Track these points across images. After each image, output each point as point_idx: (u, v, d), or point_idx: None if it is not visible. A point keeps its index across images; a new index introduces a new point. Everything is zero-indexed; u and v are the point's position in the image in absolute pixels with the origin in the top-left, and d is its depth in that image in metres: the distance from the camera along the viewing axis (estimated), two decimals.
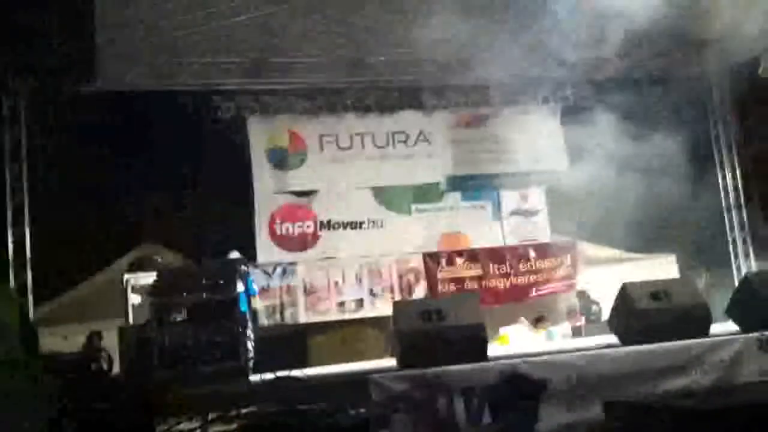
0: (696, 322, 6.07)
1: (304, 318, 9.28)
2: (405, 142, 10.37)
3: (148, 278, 7.05)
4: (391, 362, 6.27)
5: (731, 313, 6.63)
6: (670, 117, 9.35)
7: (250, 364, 6.21)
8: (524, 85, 10.18)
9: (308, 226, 9.70)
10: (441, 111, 10.48)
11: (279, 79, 9.65)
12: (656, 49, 9.92)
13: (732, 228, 10.88)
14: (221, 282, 6.17)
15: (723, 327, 6.64)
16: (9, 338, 1.77)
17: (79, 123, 8.34)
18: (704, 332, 6.02)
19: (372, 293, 9.51)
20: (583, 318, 9.25)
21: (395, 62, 9.93)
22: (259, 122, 9.83)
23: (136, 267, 8.47)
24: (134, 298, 7.66)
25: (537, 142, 10.56)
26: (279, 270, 9.28)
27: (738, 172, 10.92)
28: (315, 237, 9.71)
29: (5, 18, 7.18)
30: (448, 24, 7.92)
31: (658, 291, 6.22)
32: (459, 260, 9.90)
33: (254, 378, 5.72)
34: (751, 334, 5.92)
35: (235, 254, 7.55)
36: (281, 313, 9.17)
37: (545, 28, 8.39)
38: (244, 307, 6.82)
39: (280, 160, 9.83)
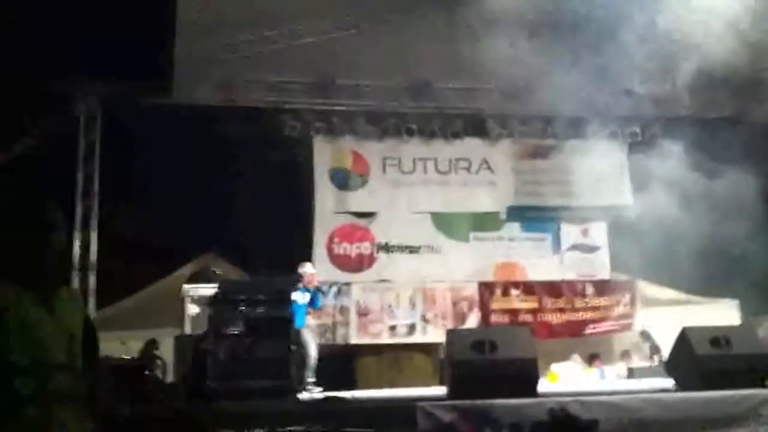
0: (756, 371, 5.91)
1: (355, 339, 9.28)
2: (467, 169, 10.36)
3: (207, 290, 7.19)
4: (438, 390, 6.25)
5: None
6: (740, 159, 9.14)
7: (304, 381, 6.27)
8: (591, 117, 10.08)
9: (366, 248, 9.76)
10: (505, 140, 10.43)
11: (345, 101, 9.82)
12: (730, 89, 9.76)
13: None
14: (278, 298, 6.25)
15: None
16: (74, 343, 1.84)
17: (152, 133, 8.58)
18: (764, 383, 5.86)
19: (424, 319, 9.48)
20: (656, 358, 8.94)
21: (461, 89, 9.99)
22: (323, 142, 9.95)
23: (196, 278, 8.63)
24: (192, 309, 7.81)
25: (602, 176, 10.40)
26: (334, 289, 9.32)
27: None
28: (371, 259, 9.74)
29: (88, 23, 7.47)
30: (516, 53, 7.92)
31: (718, 337, 6.06)
32: (514, 291, 9.80)
33: (303, 396, 5.77)
34: None
35: (308, 266, 7.59)
36: (333, 332, 9.19)
37: (616, 60, 8.33)
38: (300, 322, 6.91)
39: (342, 181, 9.92)
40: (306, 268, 7.51)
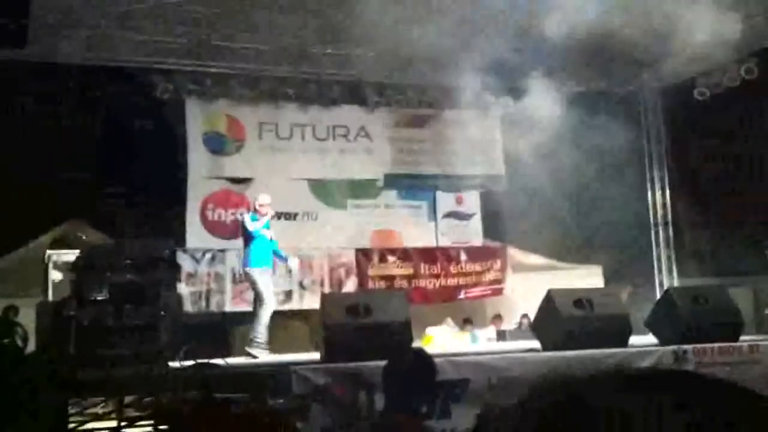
0: (616, 332, 6.24)
1: (230, 306, 9.12)
2: (345, 136, 10.34)
3: (71, 255, 6.86)
4: (314, 356, 6.25)
5: (651, 326, 6.82)
6: (606, 132, 9.54)
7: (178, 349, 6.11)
8: (466, 89, 10.23)
9: (241, 214, 9.54)
10: (383, 108, 10.46)
11: (220, 63, 9.52)
12: (597, 66, 10.14)
13: (657, 244, 11.18)
14: (145, 263, 6.05)
15: (643, 339, 6.82)
16: None
17: (9, 93, 8.05)
18: (623, 343, 6.19)
19: (302, 286, 9.43)
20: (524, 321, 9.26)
21: (339, 56, 9.90)
22: (197, 105, 9.64)
23: (60, 244, 8.22)
24: (55, 275, 7.43)
25: (475, 146, 10.64)
26: (208, 256, 9.12)
27: (667, 191, 11.21)
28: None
29: None
30: (393, 22, 7.91)
31: (581, 299, 6.36)
32: (391, 258, 9.92)
33: (173, 364, 5.62)
34: (668, 347, 6.11)
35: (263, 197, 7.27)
36: (207, 300, 9.02)
37: (489, 36, 8.47)
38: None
39: (216, 145, 9.67)
40: (261, 199, 7.21)
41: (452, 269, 10.13)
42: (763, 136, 9.57)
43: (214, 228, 9.44)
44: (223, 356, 6.04)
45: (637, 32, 8.65)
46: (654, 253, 11.15)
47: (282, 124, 10.03)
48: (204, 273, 9.03)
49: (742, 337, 6.62)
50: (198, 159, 9.51)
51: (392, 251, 9.99)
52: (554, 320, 6.27)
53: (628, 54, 9.65)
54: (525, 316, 8.93)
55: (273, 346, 7.00)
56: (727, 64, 9.68)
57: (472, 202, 10.67)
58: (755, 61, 9.55)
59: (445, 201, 10.57)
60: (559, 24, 7.81)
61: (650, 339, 6.72)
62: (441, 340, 8.25)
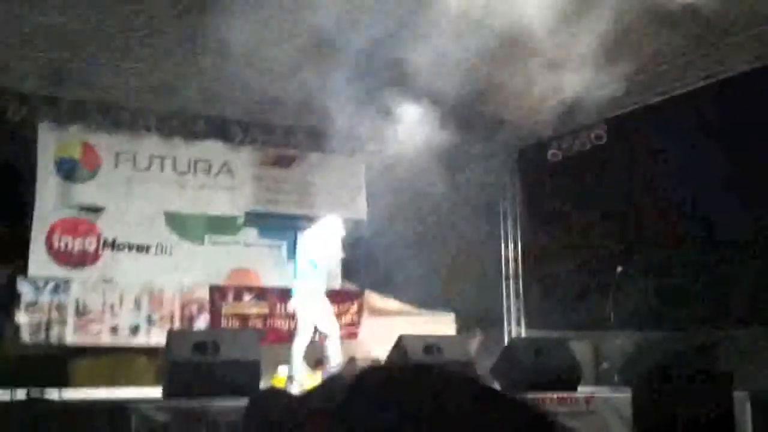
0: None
1: (71, 339, 8.67)
2: (207, 171, 10.16)
3: None
4: (158, 392, 6.03)
5: (495, 373, 7.06)
6: (465, 187, 9.87)
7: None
8: (332, 132, 10.34)
9: (89, 243, 9.16)
10: (247, 146, 10.37)
11: (78, 90, 9.13)
12: (460, 120, 10.48)
13: (508, 296, 11.59)
14: None
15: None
16: None
17: None
18: None
19: (150, 321, 9.10)
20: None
21: (204, 92, 9.71)
22: (50, 129, 9.23)
23: None
24: None
25: (339, 189, 10.74)
26: (51, 285, 8.64)
27: (519, 246, 11.68)
28: (96, 256, 9.15)
29: None
30: (264, 61, 7.92)
31: (431, 345, 6.53)
32: (247, 296, 9.76)
33: (1, 397, 5.28)
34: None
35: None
36: (47, 330, 8.51)
37: (358, 80, 8.62)
38: None
39: (68, 172, 9.25)
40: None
41: None
42: (608, 197, 10.16)
43: (59, 256, 8.97)
44: (59, 389, 5.73)
45: (498, 91, 9.05)
46: (504, 305, 11.54)
47: (140, 154, 9.73)
48: (46, 302, 8.56)
49: (580, 388, 6.95)
50: (47, 184, 9.06)
51: (248, 289, 9.84)
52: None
53: (489, 112, 10.06)
54: (376, 361, 8.98)
55: (118, 381, 6.73)
56: (580, 129, 10.29)
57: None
58: (605, 128, 10.19)
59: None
60: (428, 75, 8.06)
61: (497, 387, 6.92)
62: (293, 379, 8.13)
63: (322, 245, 8.57)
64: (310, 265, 7.98)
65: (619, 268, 9.31)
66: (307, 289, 7.85)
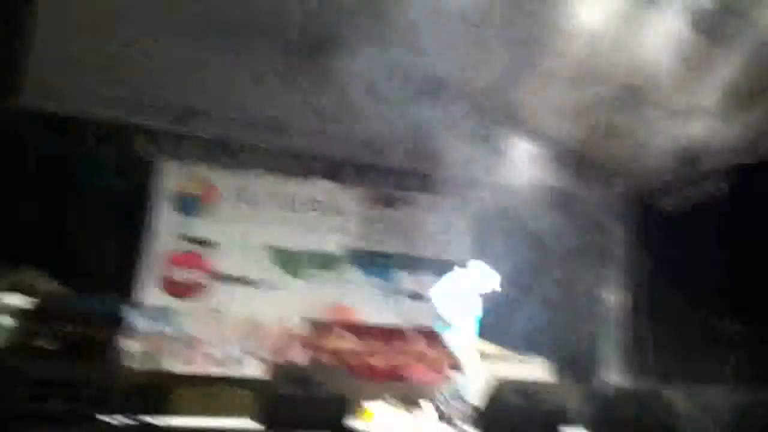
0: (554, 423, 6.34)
1: (176, 368, 9.04)
2: (316, 210, 10.45)
3: (21, 301, 6.81)
4: (256, 425, 6.20)
5: (590, 425, 6.91)
6: (576, 233, 9.74)
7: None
8: (442, 175, 10.43)
9: (199, 276, 9.57)
10: (357, 186, 10.62)
11: (200, 128, 9.62)
12: (566, 168, 10.35)
13: (608, 343, 11.27)
14: (96, 317, 6.04)
15: None
16: None
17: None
18: None
19: (251, 353, 9.39)
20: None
21: (318, 132, 10.05)
22: (173, 166, 9.74)
23: (13, 290, 8.14)
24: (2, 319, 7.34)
25: (445, 231, 10.78)
26: (160, 315, 9.11)
27: (627, 294, 11.38)
28: (203, 288, 9.56)
29: None
30: (379, 103, 8.10)
31: (527, 391, 6.46)
32: (345, 334, 9.91)
33: (106, 420, 5.55)
34: None
35: None
36: (154, 359, 8.93)
37: (472, 122, 8.65)
38: None
39: (187, 207, 9.73)
40: None
41: (403, 350, 10.13)
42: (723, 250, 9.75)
43: (169, 287, 9.39)
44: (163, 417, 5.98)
45: (616, 138, 8.92)
46: (603, 353, 11.23)
47: (257, 193, 10.13)
48: (154, 332, 8.96)
49: None
50: (163, 217, 9.53)
51: (347, 326, 10.00)
52: (498, 409, 6.34)
53: (604, 158, 9.92)
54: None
55: (217, 411, 6.93)
56: (700, 179, 9.99)
57: (430, 285, 10.73)
58: (726, 178, 9.81)
59: (405, 281, 10.63)
60: (543, 119, 8.05)
61: None
62: (382, 417, 8.18)
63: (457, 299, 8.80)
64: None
65: (731, 323, 8.95)
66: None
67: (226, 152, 9.88)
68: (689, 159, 8.72)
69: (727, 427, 8.23)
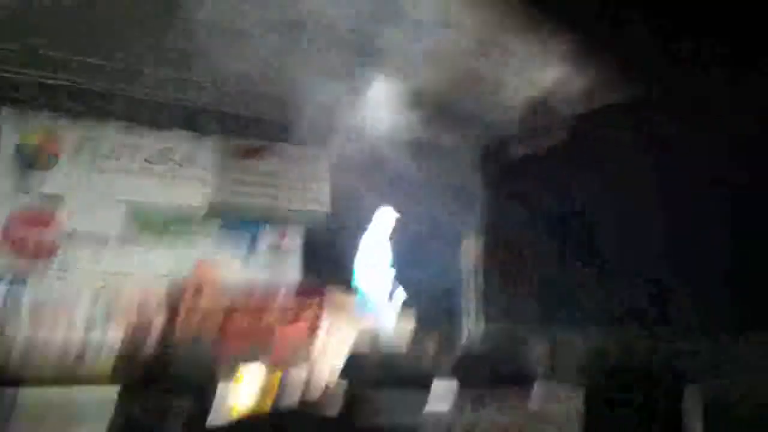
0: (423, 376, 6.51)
1: (24, 334, 8.48)
2: (173, 160, 10.02)
3: None
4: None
5: (454, 371, 7.15)
6: (430, 179, 9.87)
7: None
8: (300, 123, 10.26)
9: (49, 235, 8.99)
10: (216, 136, 10.25)
11: (45, 73, 8.96)
12: (425, 115, 10.45)
13: (468, 291, 11.63)
14: None
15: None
16: None
17: None
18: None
19: (108, 316, 8.98)
20: None
21: (174, 79, 9.60)
22: (13, 114, 9.03)
23: None
24: None
25: (304, 181, 10.66)
26: (7, 276, 8.53)
27: (482, 240, 11.72)
28: (55, 247, 9.01)
29: None
30: (235, 47, 7.81)
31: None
32: (204, 298, 9.63)
33: None
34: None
35: None
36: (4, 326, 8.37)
37: (327, 71, 8.52)
38: None
39: (29, 159, 9.08)
40: None
41: (267, 312, 10.02)
42: (571, 195, 10.17)
43: (17, 247, 8.80)
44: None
45: (470, 84, 9.04)
46: (464, 300, 11.59)
47: (105, 142, 9.57)
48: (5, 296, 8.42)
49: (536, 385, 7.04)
50: (6, 172, 8.87)
51: (209, 284, 9.73)
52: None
53: (459, 105, 10.03)
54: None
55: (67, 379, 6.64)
56: (544, 127, 10.33)
57: (294, 239, 10.67)
58: (569, 126, 10.19)
59: (268, 236, 10.48)
60: (400, 65, 8.03)
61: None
62: (252, 379, 8.10)
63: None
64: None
65: (579, 266, 9.42)
66: None
67: (72, 99, 9.25)
68: (541, 106, 8.99)
69: (582, 364, 8.76)
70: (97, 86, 9.32)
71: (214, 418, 5.64)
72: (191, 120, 10.11)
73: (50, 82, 9.10)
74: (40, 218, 9.03)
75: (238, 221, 10.35)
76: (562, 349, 10.05)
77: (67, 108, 9.30)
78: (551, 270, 10.38)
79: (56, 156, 9.25)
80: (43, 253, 8.95)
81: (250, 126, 10.45)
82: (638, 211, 9.09)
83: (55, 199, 9.17)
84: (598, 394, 6.54)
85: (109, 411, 4.91)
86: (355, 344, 6.80)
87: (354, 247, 9.92)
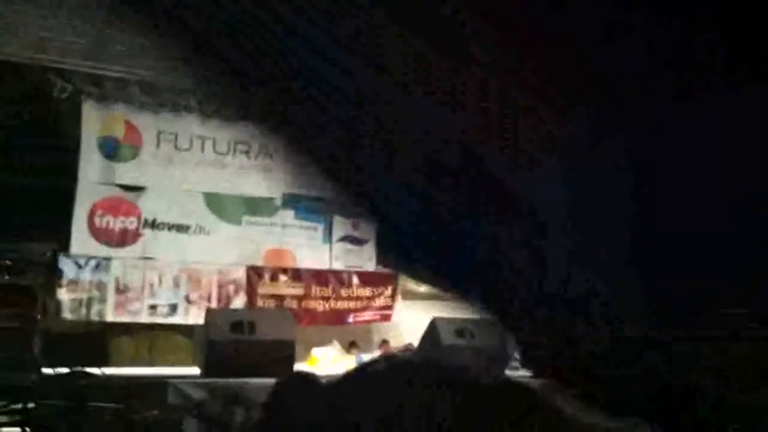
0: (495, 360, 6.47)
1: (111, 317, 8.84)
2: (246, 153, 10.23)
3: None
4: (195, 371, 6.16)
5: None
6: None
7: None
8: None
9: (131, 222, 9.30)
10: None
11: (120, 67, 9.21)
12: None
13: None
14: (17, 265, 5.86)
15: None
16: None
17: None
18: (501, 372, 6.39)
19: (188, 300, 9.26)
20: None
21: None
22: (94, 108, 9.35)
23: None
24: None
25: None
26: (92, 263, 8.82)
27: None
28: (136, 234, 9.28)
29: None
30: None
31: (463, 329, 6.57)
32: (282, 277, 9.89)
33: (46, 371, 5.45)
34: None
35: None
36: (88, 308, 8.72)
37: None
38: None
39: (111, 150, 9.36)
40: None
41: (343, 293, 10.20)
42: None
43: (100, 235, 9.11)
44: (99, 366, 5.88)
45: None
46: None
47: (181, 134, 9.81)
48: (87, 280, 8.76)
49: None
50: (90, 163, 9.18)
51: (284, 270, 9.97)
52: (437, 348, 6.43)
53: None
54: (409, 345, 9.06)
55: (156, 358, 6.88)
56: None
57: (367, 228, 10.75)
58: None
59: (341, 225, 10.61)
60: None
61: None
62: (327, 361, 8.27)
63: None
64: None
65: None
66: None
67: (144, 91, 9.48)
68: None
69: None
70: (168, 79, 9.47)
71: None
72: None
73: (127, 76, 9.31)
74: (123, 207, 9.35)
75: (311, 212, 10.49)
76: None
77: (145, 101, 9.55)
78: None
79: (137, 148, 9.55)
80: (127, 240, 9.28)
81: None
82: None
83: (137, 190, 9.49)
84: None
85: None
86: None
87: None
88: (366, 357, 9.24)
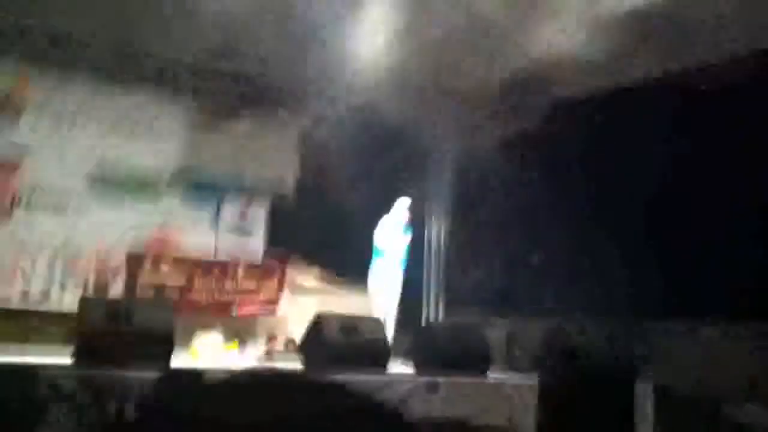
0: (378, 357, 6.52)
1: None
2: (140, 120, 9.66)
3: None
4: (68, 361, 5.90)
5: (409, 355, 7.21)
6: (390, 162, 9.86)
7: None
8: (273, 90, 10.04)
9: (10, 184, 8.63)
10: (185, 97, 9.93)
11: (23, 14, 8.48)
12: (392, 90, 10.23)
13: (428, 278, 11.63)
14: None
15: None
16: None
17: None
18: (383, 369, 6.47)
19: (62, 286, 8.82)
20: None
21: (155, 36, 9.05)
22: None
23: None
24: None
25: (273, 150, 10.49)
26: None
27: (443, 229, 11.71)
28: (7, 214, 8.69)
29: None
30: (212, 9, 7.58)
31: (348, 325, 6.59)
32: (164, 266, 9.53)
33: None
34: (423, 377, 6.45)
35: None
36: None
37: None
38: None
39: None
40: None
41: (227, 285, 9.95)
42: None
43: None
44: None
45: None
46: (424, 287, 11.60)
47: (72, 95, 9.15)
48: None
49: (491, 373, 7.12)
50: None
51: (166, 259, 9.60)
52: (319, 343, 6.42)
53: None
54: (291, 341, 8.99)
55: (27, 347, 6.54)
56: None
57: (256, 218, 10.56)
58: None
59: (229, 214, 10.33)
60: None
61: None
62: (208, 354, 8.07)
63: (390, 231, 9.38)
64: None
65: (538, 254, 9.51)
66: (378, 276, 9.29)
67: (51, 43, 8.78)
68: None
69: (531, 353, 8.83)
70: (77, 34, 8.89)
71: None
72: (163, 75, 9.70)
73: (29, 23, 8.58)
74: (5, 165, 8.69)
75: (202, 188, 10.11)
76: (517, 337, 10.15)
77: (42, 54, 8.81)
78: (514, 256, 10.38)
79: (25, 104, 8.85)
80: (4, 201, 8.67)
81: (222, 85, 10.14)
82: (601, 197, 9.15)
83: (22, 148, 8.81)
84: (552, 384, 6.59)
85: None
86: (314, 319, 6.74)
87: (318, 225, 9.80)
88: (250, 350, 9.09)
